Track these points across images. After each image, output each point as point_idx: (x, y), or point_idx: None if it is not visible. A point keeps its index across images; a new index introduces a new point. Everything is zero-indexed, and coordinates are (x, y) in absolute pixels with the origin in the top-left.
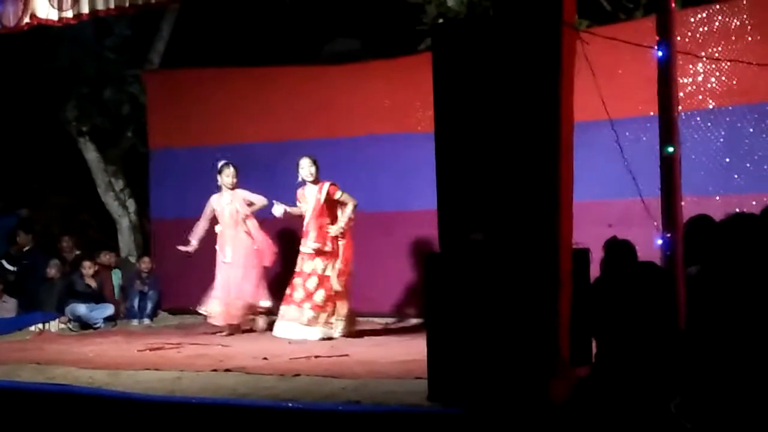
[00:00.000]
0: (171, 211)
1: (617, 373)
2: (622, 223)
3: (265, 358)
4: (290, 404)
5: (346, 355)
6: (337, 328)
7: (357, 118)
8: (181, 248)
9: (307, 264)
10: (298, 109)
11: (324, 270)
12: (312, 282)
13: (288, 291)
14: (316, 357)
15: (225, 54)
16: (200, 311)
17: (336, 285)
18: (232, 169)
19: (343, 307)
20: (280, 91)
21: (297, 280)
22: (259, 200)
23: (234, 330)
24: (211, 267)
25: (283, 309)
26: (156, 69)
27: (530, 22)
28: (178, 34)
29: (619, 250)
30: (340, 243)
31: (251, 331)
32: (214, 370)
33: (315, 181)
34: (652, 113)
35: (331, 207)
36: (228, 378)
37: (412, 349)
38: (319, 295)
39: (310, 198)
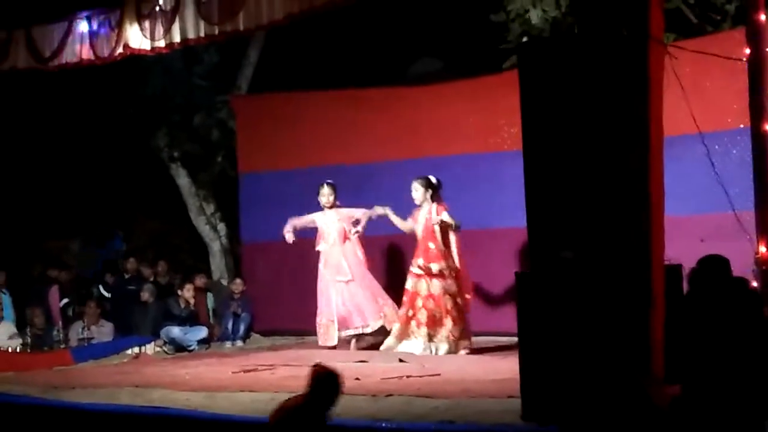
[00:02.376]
0: (261, 234)
1: (711, 391)
2: (714, 237)
3: (358, 379)
4: (384, 424)
5: (438, 374)
6: (441, 347)
7: (443, 137)
8: (287, 236)
9: (414, 283)
10: (385, 130)
11: (429, 289)
12: (418, 301)
13: (401, 310)
14: (408, 377)
15: (311, 77)
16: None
17: (447, 304)
18: (326, 188)
19: (451, 328)
20: (367, 113)
21: (405, 299)
22: (361, 212)
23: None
24: (301, 289)
25: (394, 327)
26: (244, 94)
27: (617, 38)
28: (265, 60)
29: (713, 266)
30: (456, 265)
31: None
32: None
33: (425, 202)
34: (742, 126)
35: (442, 229)
36: None
37: (504, 368)
38: (423, 314)
39: (420, 219)
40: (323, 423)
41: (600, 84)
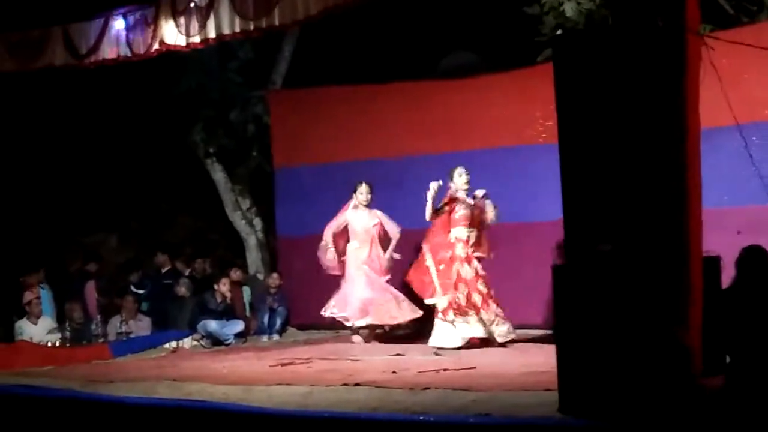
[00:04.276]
0: (296, 228)
1: (752, 383)
2: (752, 229)
3: (394, 372)
4: (421, 417)
5: (474, 367)
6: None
7: (478, 131)
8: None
9: None
10: (419, 124)
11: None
12: None
13: None
14: (445, 370)
15: (345, 72)
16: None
17: None
18: (364, 186)
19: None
20: (402, 106)
21: None
22: (393, 232)
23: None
24: (336, 283)
25: None
26: (279, 89)
27: (652, 30)
28: (299, 54)
29: (754, 257)
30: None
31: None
32: (345, 385)
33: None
34: None
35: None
36: (358, 392)
37: (541, 360)
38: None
39: None
40: None
41: (636, 76)
